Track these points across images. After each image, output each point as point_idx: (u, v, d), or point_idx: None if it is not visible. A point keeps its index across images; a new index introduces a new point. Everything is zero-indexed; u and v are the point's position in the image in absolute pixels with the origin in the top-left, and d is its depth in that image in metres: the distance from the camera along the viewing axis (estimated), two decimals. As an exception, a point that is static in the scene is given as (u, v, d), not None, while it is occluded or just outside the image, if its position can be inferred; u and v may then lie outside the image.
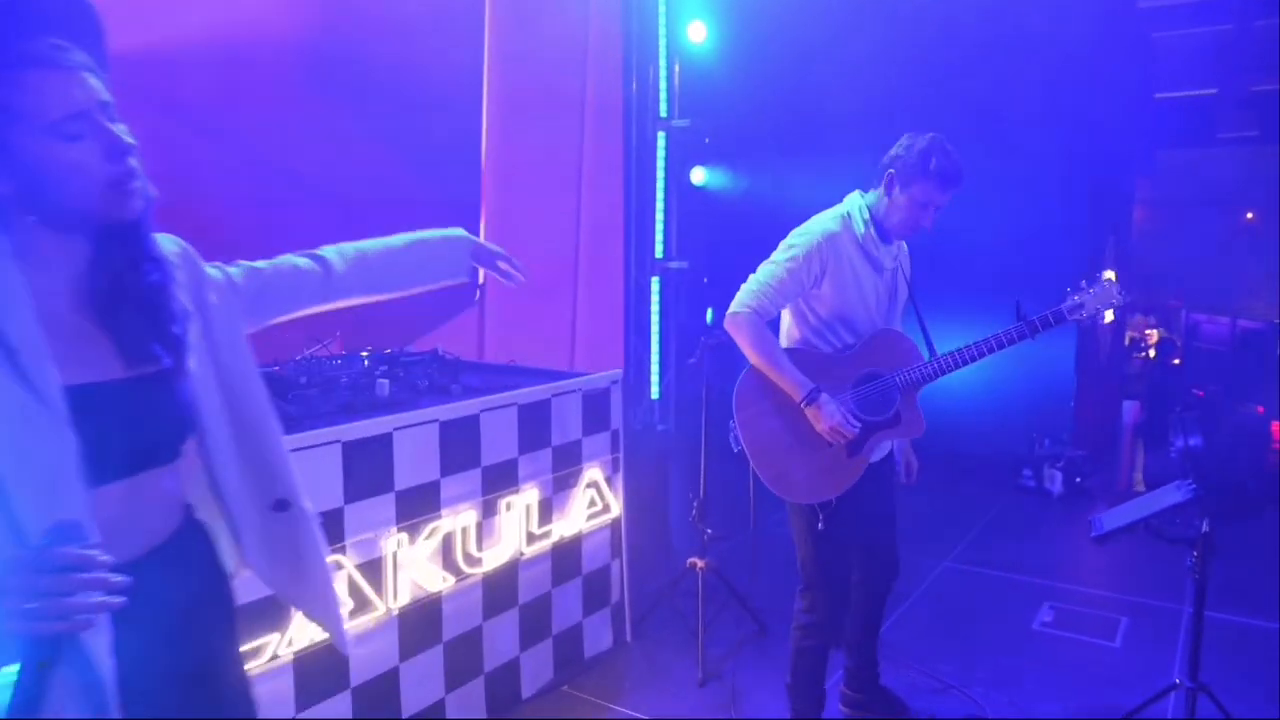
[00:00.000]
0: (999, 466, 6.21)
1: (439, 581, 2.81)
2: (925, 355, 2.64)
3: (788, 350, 2.61)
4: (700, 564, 3.61)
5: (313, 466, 2.42)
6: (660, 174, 7.16)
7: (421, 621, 2.76)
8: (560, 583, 3.33)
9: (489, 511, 2.99)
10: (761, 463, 2.56)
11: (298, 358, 3.11)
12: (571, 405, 3.33)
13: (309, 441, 2.42)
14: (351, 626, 2.53)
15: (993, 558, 4.74)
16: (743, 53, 6.72)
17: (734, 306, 2.57)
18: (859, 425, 2.53)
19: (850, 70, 6.20)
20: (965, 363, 2.60)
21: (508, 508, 3.05)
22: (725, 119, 6.91)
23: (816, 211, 2.70)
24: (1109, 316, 2.80)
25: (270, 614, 2.31)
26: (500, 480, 3.03)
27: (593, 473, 3.44)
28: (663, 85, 6.90)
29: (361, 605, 2.56)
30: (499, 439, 3.01)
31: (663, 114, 6.03)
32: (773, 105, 6.60)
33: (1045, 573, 4.53)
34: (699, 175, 6.45)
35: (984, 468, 6.38)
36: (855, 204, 2.71)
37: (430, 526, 2.77)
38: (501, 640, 3.07)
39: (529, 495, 3.15)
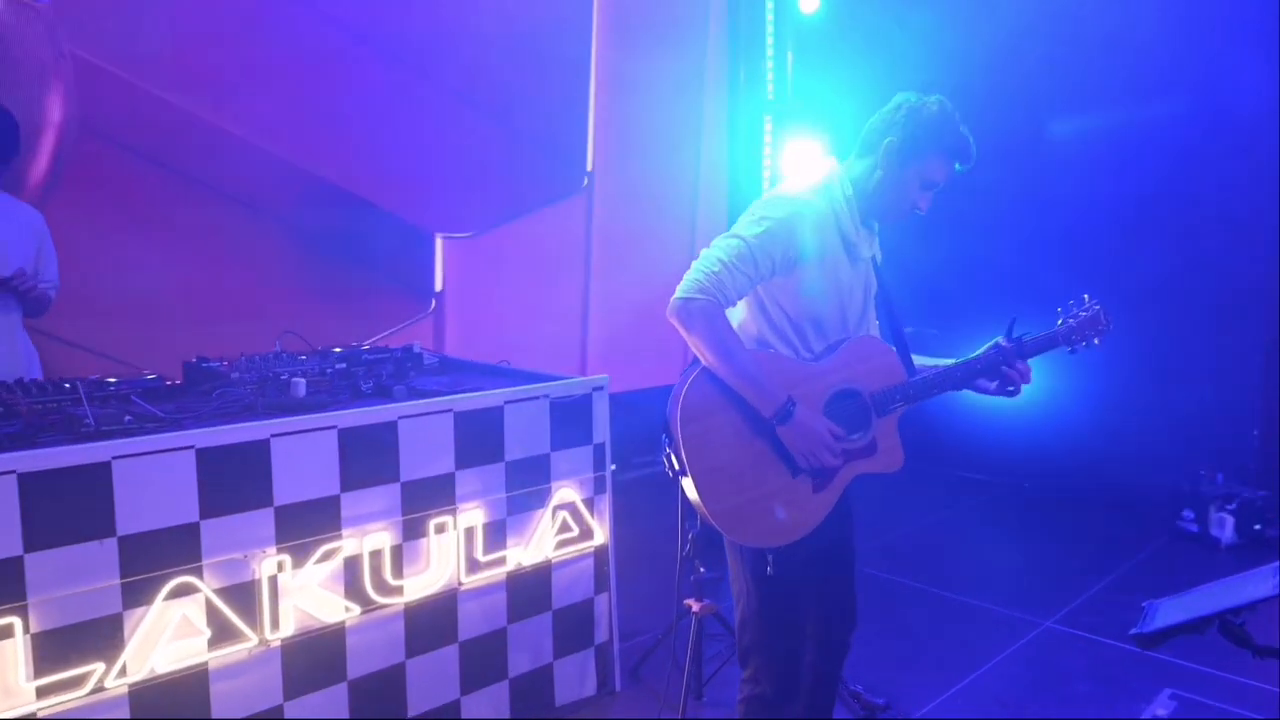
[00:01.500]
0: (1152, 503, 5.12)
1: (339, 611, 2.45)
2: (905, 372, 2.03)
3: (753, 355, 2.04)
4: (695, 606, 3.05)
5: (163, 476, 2.13)
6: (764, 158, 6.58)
7: (314, 656, 2.41)
8: (520, 618, 2.89)
9: (413, 533, 2.61)
10: (709, 494, 1.99)
11: (251, 355, 2.87)
12: (534, 414, 2.88)
13: (162, 446, 2.13)
14: (211, 658, 2.22)
15: (1112, 621, 3.81)
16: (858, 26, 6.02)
17: (683, 290, 1.93)
18: (843, 450, 1.97)
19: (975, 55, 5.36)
20: (951, 387, 1.99)
21: (438, 530, 2.65)
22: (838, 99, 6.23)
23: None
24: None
25: (95, 642, 2.03)
26: (427, 498, 2.63)
27: (566, 493, 2.97)
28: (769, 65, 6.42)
29: (226, 634, 2.25)
30: (425, 450, 2.61)
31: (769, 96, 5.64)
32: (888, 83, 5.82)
33: (1177, 647, 3.56)
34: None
35: (1134, 503, 5.30)
36: (835, 176, 2.09)
37: (325, 548, 2.41)
38: (433, 680, 2.68)
39: (471, 516, 2.73)
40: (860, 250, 2.07)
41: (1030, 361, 2.15)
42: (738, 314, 2.08)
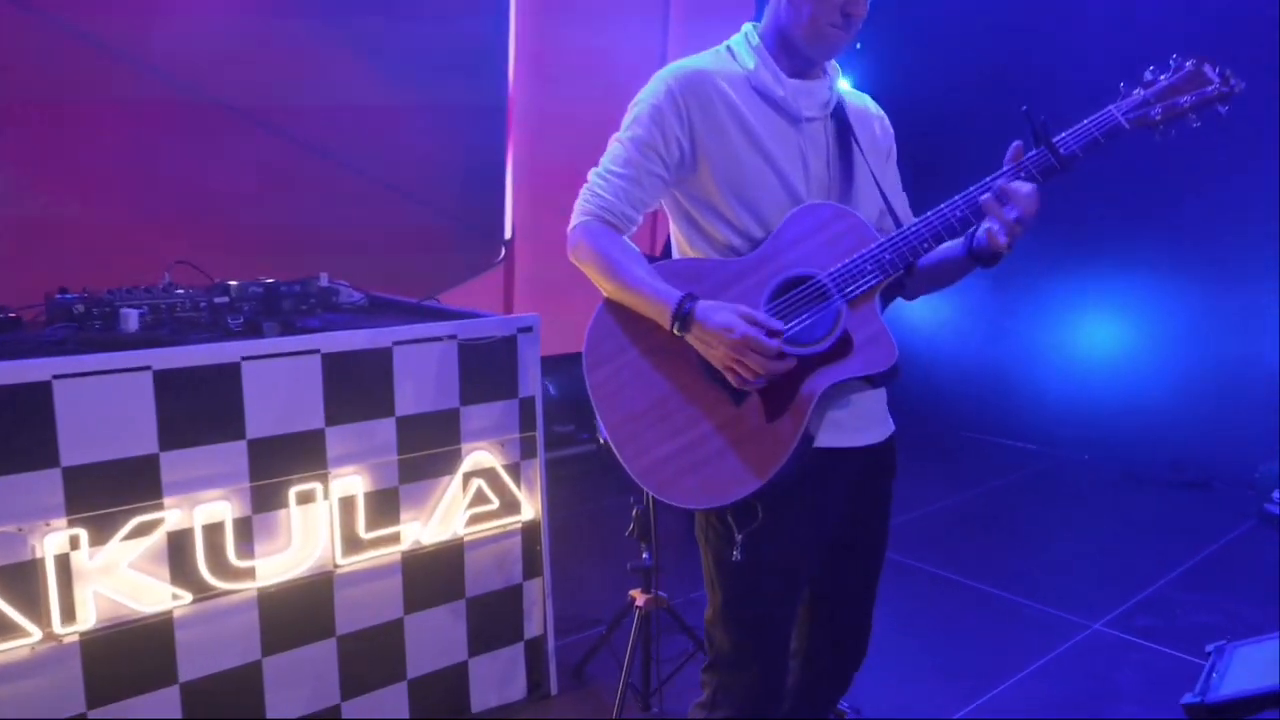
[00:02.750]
0: (1236, 482, 4.35)
1: (163, 599, 1.97)
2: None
3: (666, 264, 1.51)
4: (640, 600, 2.49)
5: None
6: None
7: (130, 654, 1.93)
8: (421, 608, 2.37)
9: (266, 504, 2.10)
10: (628, 448, 1.46)
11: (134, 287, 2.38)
12: (437, 360, 2.34)
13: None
14: (-25, 657, 1.75)
15: (1174, 627, 3.12)
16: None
17: (572, 219, 1.52)
18: (778, 342, 1.35)
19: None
20: (945, 230, 1.38)
21: (302, 500, 2.14)
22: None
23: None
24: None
25: None
26: (286, 460, 2.12)
27: (481, 457, 2.43)
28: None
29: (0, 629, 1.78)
30: (281, 401, 2.09)
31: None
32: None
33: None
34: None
35: (1214, 481, 4.53)
36: (741, 32, 1.55)
37: (138, 520, 1.92)
38: (300, 681, 2.18)
39: (348, 483, 2.21)
40: (797, 108, 1.46)
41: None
42: (675, 241, 1.59)
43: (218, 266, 2.71)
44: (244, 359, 2.03)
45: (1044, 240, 3.92)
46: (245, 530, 2.07)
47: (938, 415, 5.45)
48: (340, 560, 2.21)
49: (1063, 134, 1.34)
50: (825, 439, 1.46)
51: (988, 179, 1.36)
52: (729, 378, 1.36)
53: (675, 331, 1.36)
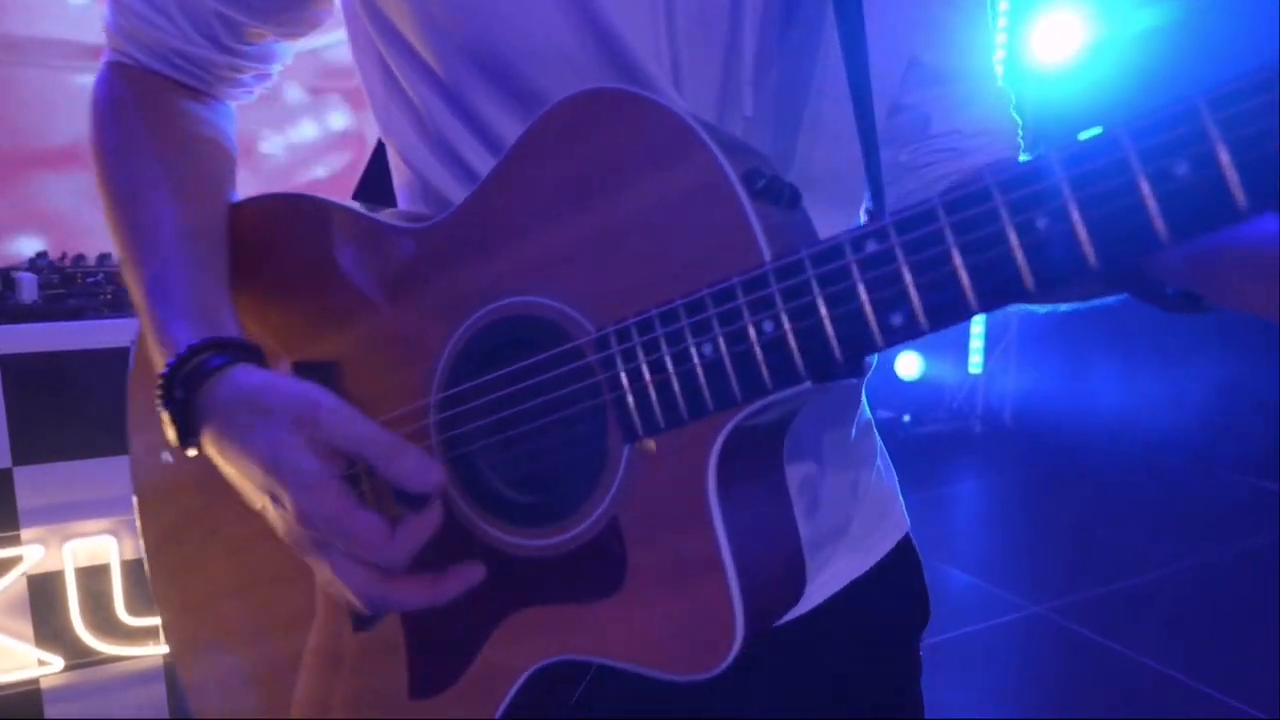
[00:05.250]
0: None
1: (28, 664, 1.46)
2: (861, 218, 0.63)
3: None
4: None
5: None
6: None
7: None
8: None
9: (173, 541, 1.55)
10: (186, 669, 0.73)
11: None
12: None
13: None
14: None
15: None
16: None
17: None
18: (425, 521, 0.52)
19: None
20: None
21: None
22: None
23: None
24: None
25: None
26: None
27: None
28: None
29: None
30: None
31: None
32: None
33: None
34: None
35: None
36: None
37: (-17, 559, 1.42)
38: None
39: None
40: None
41: None
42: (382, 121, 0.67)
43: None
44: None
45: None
46: (141, 575, 1.54)
47: (1173, 443, 4.27)
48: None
49: None
50: None
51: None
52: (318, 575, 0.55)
53: (170, 437, 0.54)
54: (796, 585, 0.57)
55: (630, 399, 0.50)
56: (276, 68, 0.68)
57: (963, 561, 3.29)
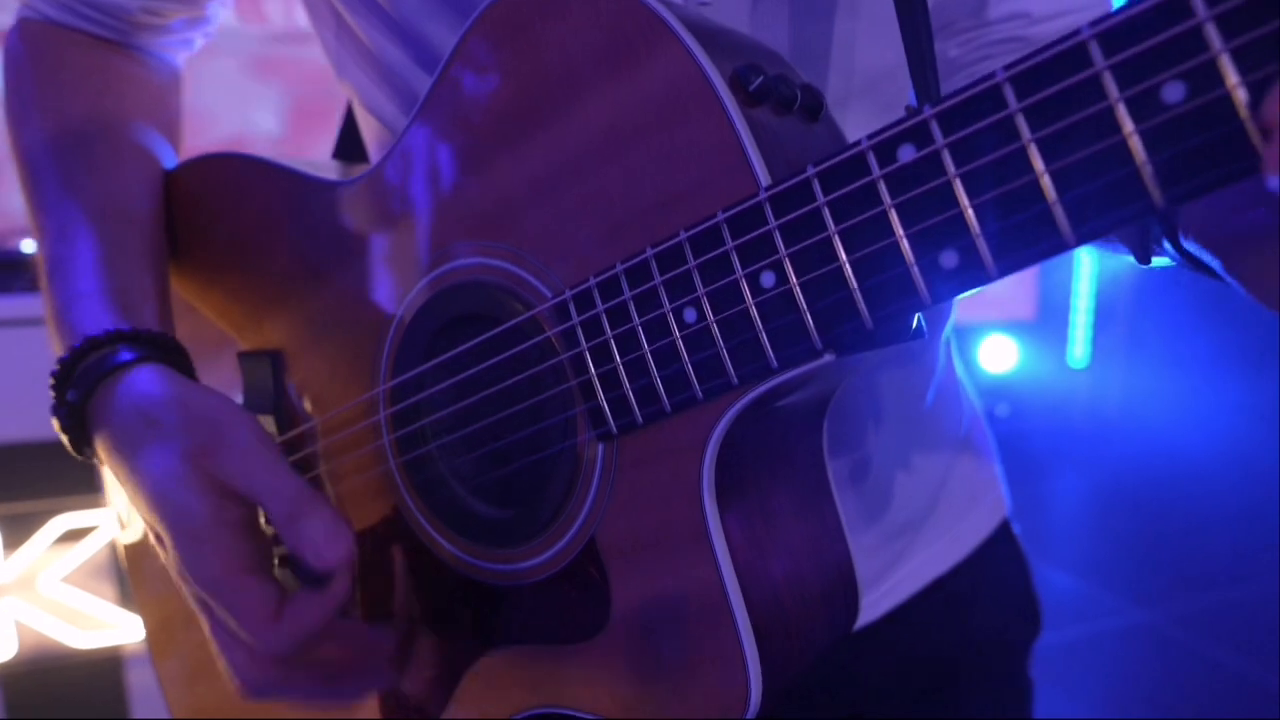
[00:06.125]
0: None
1: (109, 629, 1.48)
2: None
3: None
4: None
5: None
6: None
7: (61, 697, 1.47)
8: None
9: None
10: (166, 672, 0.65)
11: None
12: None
13: None
14: None
15: None
16: None
17: None
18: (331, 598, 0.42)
19: None
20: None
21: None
22: None
23: None
24: None
25: None
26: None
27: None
28: None
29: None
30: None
31: None
32: None
33: None
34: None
35: None
36: None
37: (67, 523, 1.44)
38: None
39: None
40: None
41: None
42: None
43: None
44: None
45: None
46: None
47: None
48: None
49: None
50: None
51: None
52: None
53: (67, 446, 0.45)
54: (843, 606, 0.44)
55: (598, 386, 0.38)
56: (212, 9, 0.57)
57: (1062, 561, 3.06)
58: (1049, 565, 3.00)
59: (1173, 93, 0.23)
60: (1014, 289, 3.34)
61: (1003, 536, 0.61)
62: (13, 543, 1.42)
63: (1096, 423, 4.47)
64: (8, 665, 1.43)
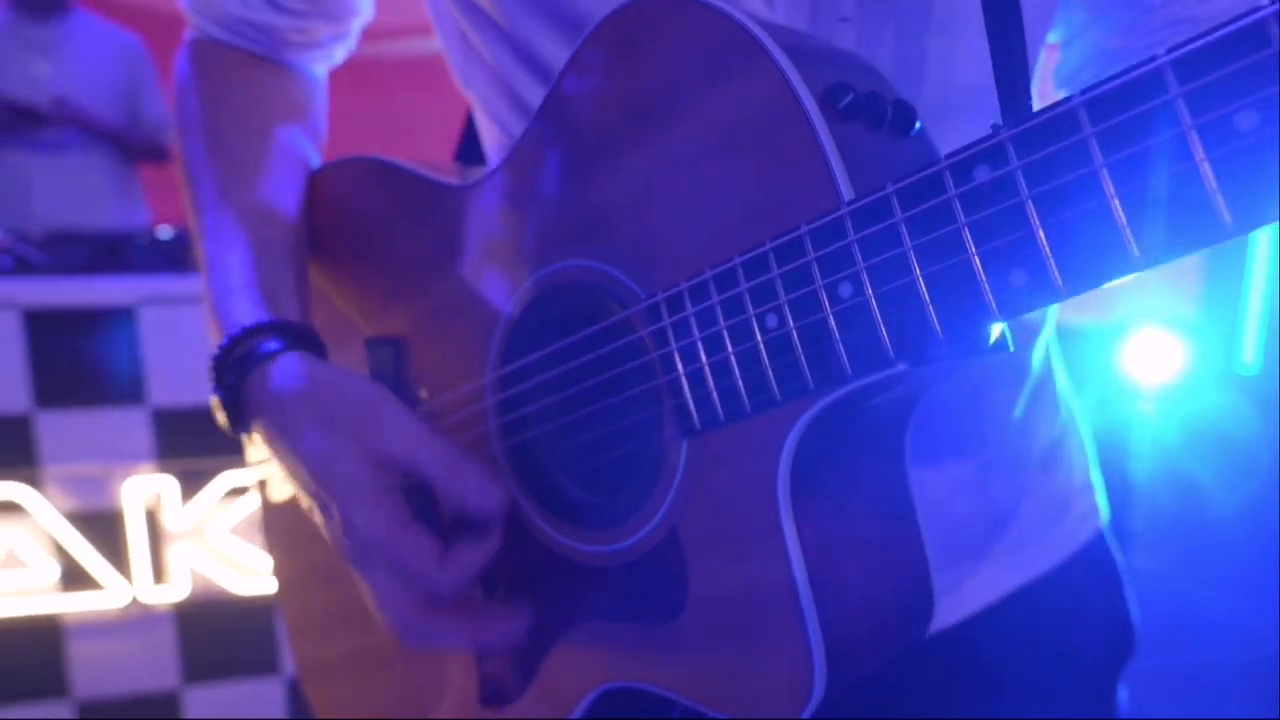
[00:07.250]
0: None
1: (267, 578, 1.63)
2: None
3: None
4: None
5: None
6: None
7: (229, 634, 1.64)
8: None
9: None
10: (297, 629, 0.72)
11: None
12: None
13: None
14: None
15: None
16: None
17: None
18: (478, 553, 0.46)
19: None
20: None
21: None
22: None
23: None
24: None
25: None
26: None
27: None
28: None
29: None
30: None
31: None
32: None
33: None
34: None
35: None
36: None
37: (234, 479, 1.59)
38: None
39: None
40: None
41: None
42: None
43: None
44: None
45: None
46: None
47: None
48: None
49: None
50: None
51: None
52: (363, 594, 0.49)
53: (220, 422, 0.52)
54: (916, 609, 0.44)
55: (685, 384, 0.40)
56: (354, 24, 0.63)
57: (1226, 588, 2.81)
58: (1205, 588, 2.78)
59: (1245, 121, 0.23)
60: (1171, 280, 3.01)
61: (1096, 547, 0.60)
62: (187, 496, 1.58)
63: (1268, 437, 4.04)
64: (181, 604, 1.60)
